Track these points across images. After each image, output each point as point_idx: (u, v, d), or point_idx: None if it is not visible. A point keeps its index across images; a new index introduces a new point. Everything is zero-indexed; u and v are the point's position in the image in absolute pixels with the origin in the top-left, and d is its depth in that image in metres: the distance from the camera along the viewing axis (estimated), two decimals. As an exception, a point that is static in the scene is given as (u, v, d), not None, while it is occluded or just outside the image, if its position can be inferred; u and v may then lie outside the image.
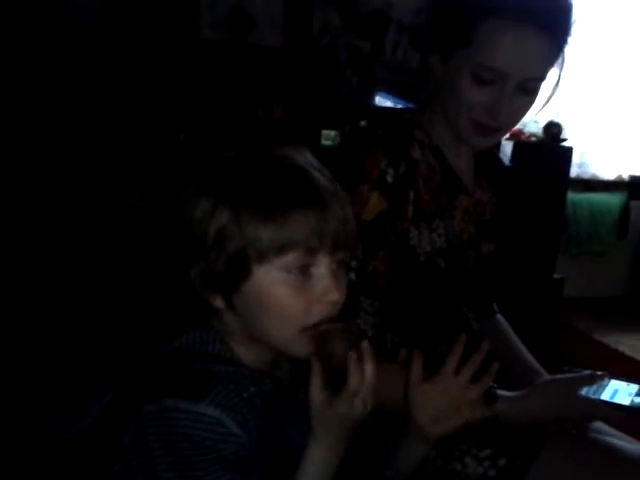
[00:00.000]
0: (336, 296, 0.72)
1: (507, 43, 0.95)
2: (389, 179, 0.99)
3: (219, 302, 0.73)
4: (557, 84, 1.04)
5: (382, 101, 2.92)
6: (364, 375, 0.70)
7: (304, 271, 0.71)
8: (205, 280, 0.72)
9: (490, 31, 0.95)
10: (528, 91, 0.99)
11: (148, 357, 0.76)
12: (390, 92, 2.89)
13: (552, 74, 1.02)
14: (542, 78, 1.00)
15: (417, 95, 1.17)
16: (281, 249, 0.69)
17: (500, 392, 0.99)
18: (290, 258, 0.69)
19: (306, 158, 0.75)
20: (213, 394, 0.69)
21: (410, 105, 2.73)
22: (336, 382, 0.72)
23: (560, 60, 1.01)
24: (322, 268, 0.71)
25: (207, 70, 2.72)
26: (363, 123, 1.07)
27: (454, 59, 0.99)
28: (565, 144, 3.01)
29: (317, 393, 0.71)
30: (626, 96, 3.38)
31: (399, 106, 2.83)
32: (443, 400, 0.79)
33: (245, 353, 0.75)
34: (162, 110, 2.62)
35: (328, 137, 2.65)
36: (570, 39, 0.99)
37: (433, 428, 0.79)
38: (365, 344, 0.71)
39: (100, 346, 1.59)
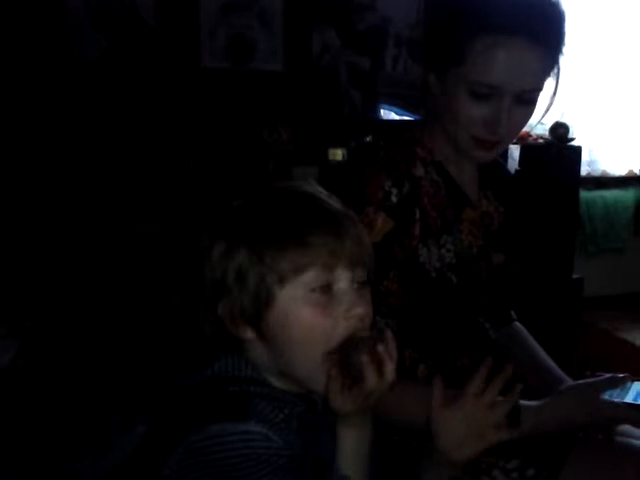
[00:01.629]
0: (361, 310, 0.73)
1: (501, 58, 0.95)
2: (394, 199, 1.00)
3: (249, 333, 0.75)
4: (554, 94, 1.04)
5: (387, 114, 2.94)
6: (383, 376, 0.72)
7: (326, 290, 0.72)
8: (233, 315, 0.74)
9: (483, 48, 0.95)
10: (526, 102, 0.99)
11: (183, 387, 0.77)
12: (394, 105, 2.91)
13: (549, 83, 1.03)
14: (539, 89, 1.00)
15: (420, 107, 1.19)
16: (299, 268, 0.71)
17: (523, 402, 0.99)
18: (310, 276, 0.71)
19: (314, 187, 0.78)
20: (257, 413, 0.71)
21: (414, 116, 2.75)
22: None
23: (556, 70, 1.01)
24: (343, 284, 0.73)
25: (211, 98, 2.75)
26: (368, 139, 1.08)
27: (449, 77, 1.00)
28: (573, 143, 3.00)
29: (335, 395, 0.72)
30: (630, 90, 3.36)
31: (404, 117, 2.84)
32: (466, 424, 0.78)
33: (276, 380, 0.76)
34: (170, 140, 2.66)
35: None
36: (565, 49, 1.00)
37: (457, 453, 0.78)
38: (380, 348, 0.71)
39: (124, 381, 1.61)
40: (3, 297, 1.94)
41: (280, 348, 0.74)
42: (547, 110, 1.06)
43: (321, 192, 0.77)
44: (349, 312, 0.72)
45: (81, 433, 1.33)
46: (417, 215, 1.02)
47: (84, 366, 1.70)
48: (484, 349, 1.15)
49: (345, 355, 0.72)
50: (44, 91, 2.44)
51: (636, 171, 3.44)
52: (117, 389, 1.57)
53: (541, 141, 3.03)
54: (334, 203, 0.76)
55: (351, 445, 0.76)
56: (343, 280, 0.73)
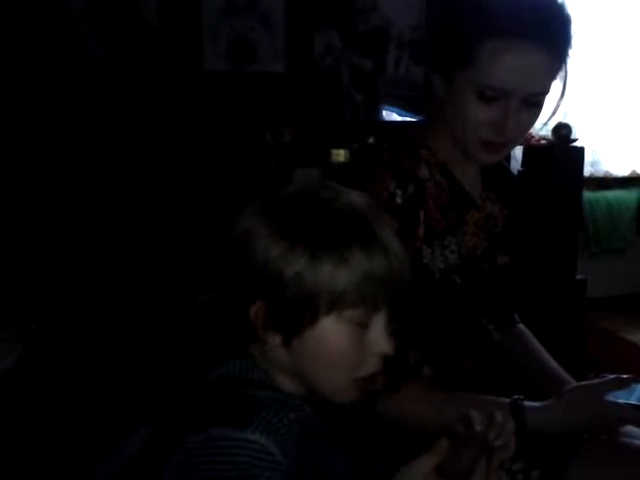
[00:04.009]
0: (390, 351, 0.74)
1: (509, 62, 0.95)
2: (398, 200, 1.00)
3: (277, 339, 0.73)
4: (562, 96, 1.04)
5: (389, 115, 2.94)
6: None
7: (364, 325, 0.73)
8: (269, 318, 0.73)
9: (491, 51, 0.95)
10: (533, 105, 0.99)
11: (189, 388, 0.77)
12: (396, 106, 2.91)
13: (556, 85, 1.03)
14: (546, 92, 1.00)
15: (422, 108, 1.19)
16: (353, 304, 0.71)
17: (527, 403, 0.99)
18: (358, 312, 0.71)
19: (368, 202, 0.77)
20: (258, 420, 0.69)
21: (416, 117, 2.75)
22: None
23: (563, 73, 1.01)
24: (380, 322, 0.73)
25: (213, 100, 2.76)
26: (371, 140, 1.08)
27: (456, 80, 1.00)
28: (576, 144, 3.00)
29: (425, 467, 0.69)
30: (633, 91, 3.36)
31: (406, 119, 2.85)
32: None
33: (284, 382, 0.76)
34: (172, 142, 2.66)
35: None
36: (571, 52, 1.00)
37: None
38: (494, 463, 0.71)
39: (127, 383, 1.61)
40: (9, 299, 1.94)
41: (303, 362, 0.74)
42: (554, 113, 1.06)
43: (376, 211, 0.77)
44: (380, 353, 0.73)
45: (84, 435, 1.34)
46: (421, 216, 1.02)
47: (88, 368, 1.71)
48: (488, 351, 1.15)
49: (458, 447, 0.72)
50: (47, 94, 2.45)
51: (639, 171, 3.44)
52: (120, 391, 1.57)
53: (544, 142, 3.03)
54: (390, 233, 0.76)
55: None
56: (381, 319, 0.73)
